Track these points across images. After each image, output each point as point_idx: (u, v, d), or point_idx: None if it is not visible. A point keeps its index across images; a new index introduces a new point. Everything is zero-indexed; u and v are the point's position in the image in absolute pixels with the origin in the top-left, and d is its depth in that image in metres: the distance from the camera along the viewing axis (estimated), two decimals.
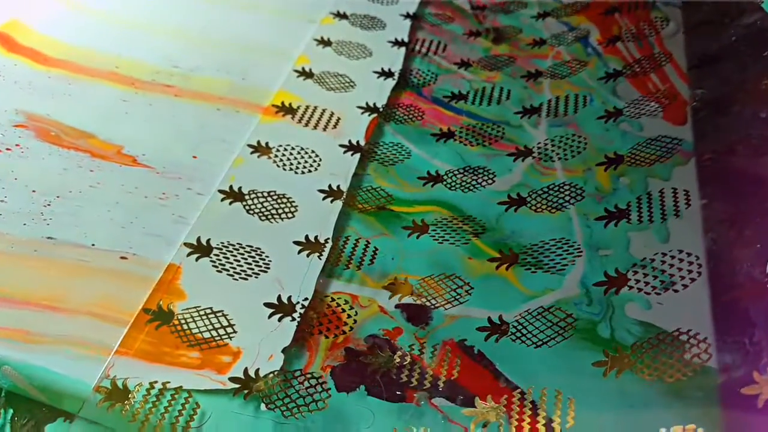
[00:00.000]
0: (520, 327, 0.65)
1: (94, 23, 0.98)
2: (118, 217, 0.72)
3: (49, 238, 0.69)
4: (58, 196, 0.73)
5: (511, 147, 0.87)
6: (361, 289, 0.69)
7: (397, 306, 0.67)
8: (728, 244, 0.67)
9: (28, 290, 0.64)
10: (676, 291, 0.66)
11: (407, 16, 1.11)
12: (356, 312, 0.67)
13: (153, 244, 0.70)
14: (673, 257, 0.69)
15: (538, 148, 0.86)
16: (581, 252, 0.72)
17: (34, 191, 0.73)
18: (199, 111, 0.87)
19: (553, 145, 0.86)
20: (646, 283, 0.67)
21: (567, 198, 0.78)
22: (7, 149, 0.77)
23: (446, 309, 0.67)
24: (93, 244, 0.69)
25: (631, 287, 0.67)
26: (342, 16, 1.08)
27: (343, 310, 0.67)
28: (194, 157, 0.80)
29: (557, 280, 0.69)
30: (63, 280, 0.66)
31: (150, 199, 0.75)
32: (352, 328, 0.65)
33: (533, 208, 0.78)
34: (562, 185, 0.80)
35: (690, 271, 0.67)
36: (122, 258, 0.69)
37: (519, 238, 0.74)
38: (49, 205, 0.72)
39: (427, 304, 0.67)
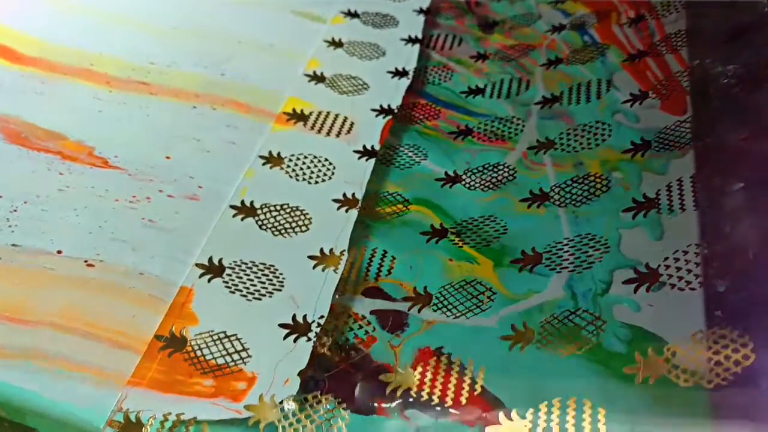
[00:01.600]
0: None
1: (69, 16, 0.95)
2: (86, 222, 0.70)
3: (13, 245, 0.67)
4: (25, 201, 0.71)
5: (501, 142, 0.83)
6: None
7: (372, 312, 0.64)
8: (725, 242, 0.62)
9: None
10: (666, 292, 0.62)
11: (421, 11, 1.07)
12: (374, 327, 0.63)
13: (120, 250, 0.68)
14: (666, 257, 0.64)
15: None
16: (568, 251, 0.68)
17: (0, 196, 0.71)
18: (174, 109, 0.84)
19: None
20: (637, 284, 0.63)
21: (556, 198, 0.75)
22: None
23: (468, 318, 0.63)
24: (59, 251, 0.67)
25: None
26: (353, 14, 1.05)
27: (360, 327, 0.64)
28: (167, 157, 0.78)
29: (542, 282, 0.66)
30: (26, 289, 0.63)
31: (120, 203, 0.72)
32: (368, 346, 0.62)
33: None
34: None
35: (686, 271, 0.63)
36: (88, 265, 0.66)
37: (502, 237, 0.71)
38: (15, 210, 0.70)
39: (448, 315, 0.63)
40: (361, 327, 0.64)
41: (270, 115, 0.86)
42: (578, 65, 0.93)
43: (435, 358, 0.61)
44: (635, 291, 0.63)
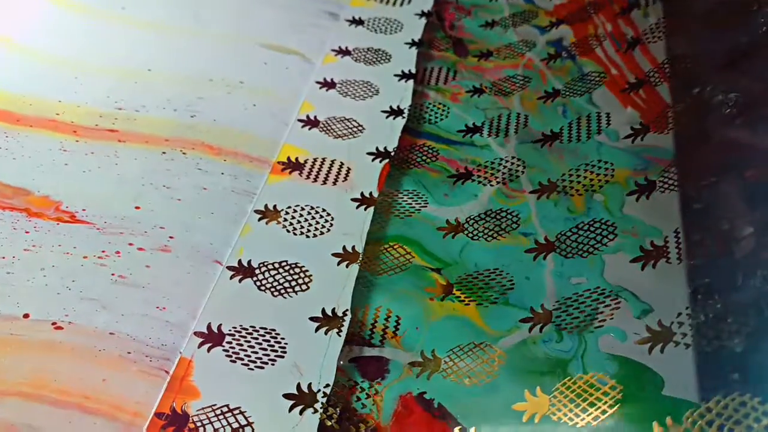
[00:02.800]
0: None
1: (31, 65, 0.93)
2: (54, 282, 0.68)
3: None
4: None
5: (475, 169, 0.83)
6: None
7: (351, 360, 0.63)
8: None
9: None
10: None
11: (413, 43, 1.05)
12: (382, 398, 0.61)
13: (89, 310, 0.66)
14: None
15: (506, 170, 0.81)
16: (552, 283, 0.67)
17: None
18: (143, 156, 0.82)
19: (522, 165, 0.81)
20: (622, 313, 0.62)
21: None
22: None
23: (480, 385, 0.61)
24: (26, 315, 0.65)
25: (604, 319, 0.62)
26: (344, 52, 1.03)
27: (368, 396, 0.62)
28: (137, 207, 0.76)
29: (525, 316, 0.65)
30: None
31: (89, 260, 0.70)
32: (378, 416, 0.60)
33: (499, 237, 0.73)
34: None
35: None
36: (56, 328, 0.64)
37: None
38: None
39: (458, 381, 0.61)
40: (368, 396, 0.62)
41: (244, 156, 0.84)
42: (555, 83, 0.92)
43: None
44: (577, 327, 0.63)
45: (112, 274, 0.70)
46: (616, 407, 0.55)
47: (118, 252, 0.72)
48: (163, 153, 0.83)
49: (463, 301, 0.68)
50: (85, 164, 0.81)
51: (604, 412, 0.55)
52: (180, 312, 0.68)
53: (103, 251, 0.72)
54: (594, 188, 0.76)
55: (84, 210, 0.75)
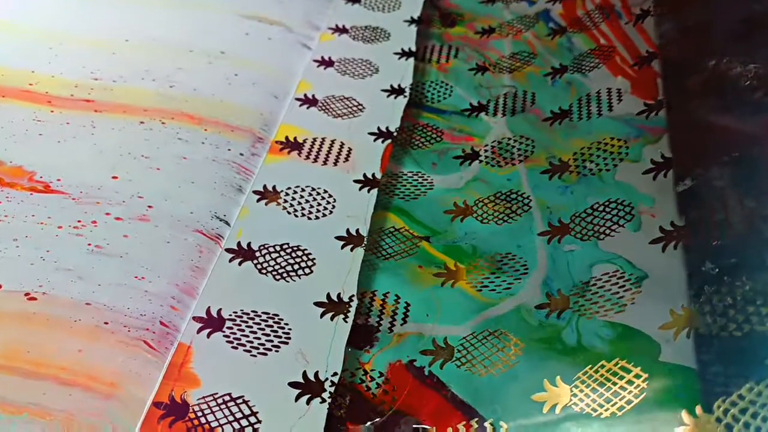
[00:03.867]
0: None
1: (2, 35, 0.90)
2: (28, 252, 0.65)
3: None
4: None
5: (468, 139, 0.82)
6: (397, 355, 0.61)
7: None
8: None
9: None
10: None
11: (412, 21, 1.01)
12: (394, 388, 0.59)
13: (64, 280, 0.63)
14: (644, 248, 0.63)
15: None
16: (543, 250, 0.67)
17: None
18: (120, 126, 0.79)
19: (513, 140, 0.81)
20: (618, 280, 0.61)
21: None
22: None
23: (496, 376, 0.58)
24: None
25: (601, 286, 0.62)
26: (341, 30, 0.99)
27: (378, 386, 0.59)
28: (114, 177, 0.73)
29: (516, 284, 0.64)
30: None
31: (64, 230, 0.68)
32: (392, 408, 0.57)
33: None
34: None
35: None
36: (30, 298, 0.62)
37: (472, 240, 0.69)
38: None
39: (472, 371, 0.59)
40: (378, 386, 0.59)
41: (225, 126, 0.82)
42: (546, 54, 0.91)
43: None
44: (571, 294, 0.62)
45: (89, 244, 0.67)
46: (642, 396, 0.53)
47: (94, 222, 0.69)
48: (142, 123, 0.80)
49: (476, 287, 0.66)
50: (60, 134, 0.78)
51: (629, 401, 0.53)
52: (159, 281, 0.65)
53: (78, 221, 0.69)
54: (586, 156, 0.75)
55: (59, 180, 0.72)
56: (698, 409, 0.50)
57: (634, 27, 0.88)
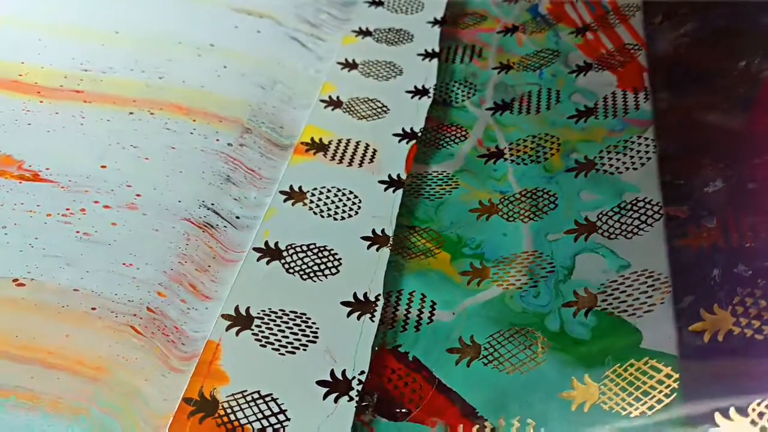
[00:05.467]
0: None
1: None
2: (16, 239, 0.66)
3: None
4: None
5: (455, 129, 0.84)
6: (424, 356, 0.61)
7: None
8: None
9: None
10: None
11: (435, 22, 1.02)
12: (421, 386, 0.59)
13: (52, 266, 0.64)
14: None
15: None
16: (529, 237, 0.68)
17: None
18: (110, 116, 0.80)
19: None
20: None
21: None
22: None
23: (523, 373, 0.58)
24: None
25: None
26: (365, 33, 1.00)
27: (406, 384, 0.59)
28: (103, 166, 0.74)
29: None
30: None
31: (53, 218, 0.68)
32: (419, 406, 0.58)
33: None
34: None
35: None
36: (18, 284, 0.62)
37: (458, 229, 0.70)
38: None
39: (499, 369, 0.59)
40: (407, 385, 0.59)
41: (214, 116, 0.82)
42: (531, 46, 0.94)
43: None
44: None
45: (77, 232, 0.67)
46: (673, 396, 0.52)
47: (83, 210, 0.69)
48: (131, 113, 0.81)
49: (502, 285, 0.66)
50: (49, 124, 0.78)
51: (659, 401, 0.52)
52: (147, 268, 0.65)
53: (67, 209, 0.69)
54: (570, 146, 0.77)
55: (48, 169, 0.73)
56: (732, 411, 0.50)
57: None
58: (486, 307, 0.64)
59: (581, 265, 0.66)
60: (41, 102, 0.81)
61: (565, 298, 0.62)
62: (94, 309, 0.61)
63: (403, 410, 0.57)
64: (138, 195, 0.72)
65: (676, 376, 0.53)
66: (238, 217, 0.73)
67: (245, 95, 0.86)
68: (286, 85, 0.89)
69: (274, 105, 0.87)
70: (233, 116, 0.83)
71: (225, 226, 0.72)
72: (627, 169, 0.73)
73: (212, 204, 0.73)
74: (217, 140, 0.79)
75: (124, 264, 0.65)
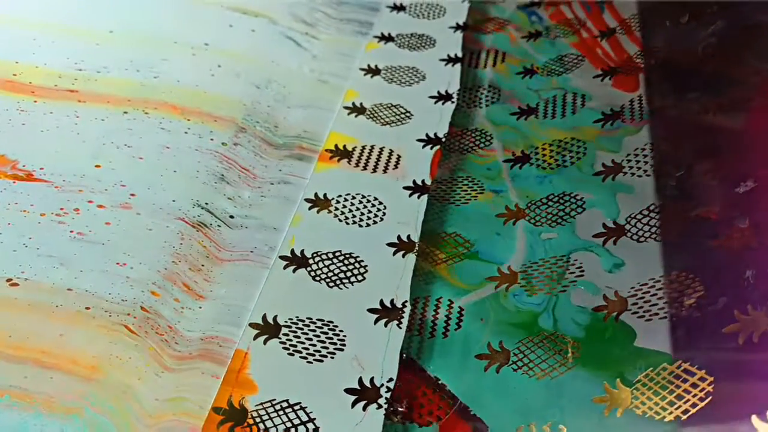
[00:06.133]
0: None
1: None
2: (10, 239, 0.66)
3: None
4: None
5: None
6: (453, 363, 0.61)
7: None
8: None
9: None
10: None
11: (457, 27, 1.01)
12: (451, 394, 0.58)
13: (46, 266, 0.64)
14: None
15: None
16: (522, 237, 0.69)
17: None
18: (104, 116, 0.80)
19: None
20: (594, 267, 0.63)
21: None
22: None
23: (553, 378, 0.57)
24: None
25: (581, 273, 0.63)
26: (387, 38, 1.00)
27: (434, 391, 0.59)
28: (97, 166, 0.74)
29: (494, 269, 0.65)
30: None
31: (47, 217, 0.68)
32: (448, 413, 0.57)
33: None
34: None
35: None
36: (12, 284, 0.62)
37: (450, 228, 0.71)
38: None
39: (529, 374, 0.58)
40: (435, 392, 0.59)
41: (208, 116, 0.82)
42: (525, 46, 0.95)
43: None
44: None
45: (71, 231, 0.68)
46: (707, 400, 0.51)
47: (77, 209, 0.70)
48: (125, 113, 0.81)
49: (529, 291, 0.65)
50: (43, 124, 0.79)
51: (694, 405, 0.51)
52: (141, 268, 0.65)
53: (61, 209, 0.69)
54: (564, 146, 0.78)
55: (42, 168, 0.73)
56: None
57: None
58: (480, 305, 0.65)
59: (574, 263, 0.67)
60: (35, 102, 0.81)
61: (559, 298, 0.63)
62: (87, 308, 0.62)
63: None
64: (132, 194, 0.72)
65: (711, 379, 0.52)
66: (232, 217, 0.73)
67: (240, 94, 0.87)
68: (281, 84, 0.90)
69: (269, 104, 0.87)
70: (228, 115, 0.83)
71: (219, 226, 0.72)
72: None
73: (206, 203, 0.73)
74: (212, 140, 0.80)
75: (117, 263, 0.66)
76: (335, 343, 0.62)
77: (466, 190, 0.77)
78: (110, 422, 0.55)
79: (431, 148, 0.82)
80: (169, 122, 0.81)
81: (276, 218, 0.74)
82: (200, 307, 0.65)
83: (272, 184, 0.77)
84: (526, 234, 0.70)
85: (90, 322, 0.61)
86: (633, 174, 0.74)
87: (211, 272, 0.68)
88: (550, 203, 0.74)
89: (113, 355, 0.59)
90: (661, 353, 0.56)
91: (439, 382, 0.59)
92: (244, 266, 0.69)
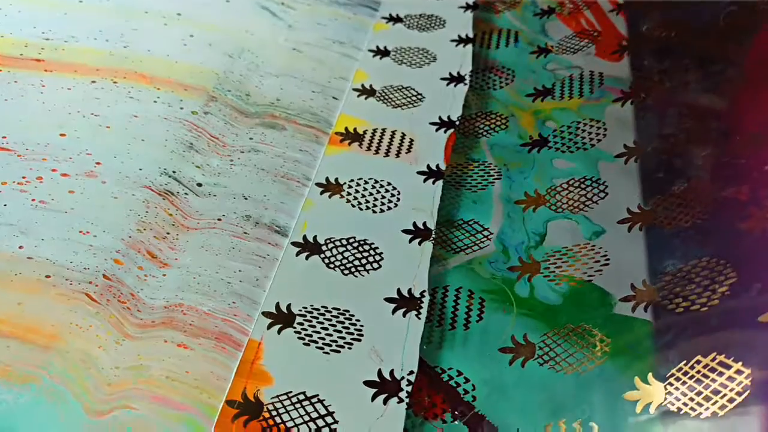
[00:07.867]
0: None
1: None
2: None
3: None
4: None
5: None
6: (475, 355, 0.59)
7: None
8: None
9: None
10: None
11: (467, 7, 0.99)
12: (474, 387, 0.56)
13: (5, 235, 0.63)
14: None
15: None
16: (498, 206, 0.68)
17: None
18: (71, 85, 0.78)
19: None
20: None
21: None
22: None
23: (582, 374, 0.56)
24: None
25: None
26: (396, 19, 0.97)
27: (457, 384, 0.57)
28: (62, 135, 0.72)
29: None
30: None
31: (8, 186, 0.67)
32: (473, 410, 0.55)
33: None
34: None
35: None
36: None
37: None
38: None
39: (555, 369, 0.56)
40: (458, 384, 0.57)
41: (179, 85, 0.80)
42: (508, 14, 0.94)
43: None
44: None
45: (33, 200, 0.66)
46: (746, 394, 0.49)
47: (39, 178, 0.68)
48: (93, 82, 0.79)
49: (554, 280, 0.63)
50: (7, 93, 0.77)
51: (731, 400, 0.49)
52: (105, 236, 0.64)
53: (23, 177, 0.68)
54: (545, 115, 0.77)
55: (4, 138, 0.71)
56: None
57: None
58: (451, 274, 0.65)
59: (553, 232, 0.66)
60: (1, 71, 0.79)
61: (537, 263, 0.63)
62: (48, 277, 0.60)
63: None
64: (98, 163, 0.70)
65: (747, 371, 0.50)
66: (199, 185, 0.71)
67: (212, 64, 0.84)
68: (254, 53, 0.87)
69: (241, 73, 0.85)
70: (199, 84, 0.81)
71: (186, 194, 0.70)
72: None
73: (174, 171, 0.71)
74: (181, 108, 0.78)
75: (80, 232, 0.64)
76: (352, 333, 0.60)
77: (482, 176, 0.75)
78: (68, 390, 0.54)
79: (445, 132, 0.79)
80: (138, 91, 0.79)
81: (245, 186, 0.72)
82: (164, 275, 0.63)
83: (242, 152, 0.76)
84: (503, 202, 0.71)
85: (50, 291, 0.59)
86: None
87: (177, 240, 0.66)
88: (571, 187, 0.72)
89: (73, 323, 0.58)
90: (691, 345, 0.54)
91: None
92: (212, 234, 0.67)
